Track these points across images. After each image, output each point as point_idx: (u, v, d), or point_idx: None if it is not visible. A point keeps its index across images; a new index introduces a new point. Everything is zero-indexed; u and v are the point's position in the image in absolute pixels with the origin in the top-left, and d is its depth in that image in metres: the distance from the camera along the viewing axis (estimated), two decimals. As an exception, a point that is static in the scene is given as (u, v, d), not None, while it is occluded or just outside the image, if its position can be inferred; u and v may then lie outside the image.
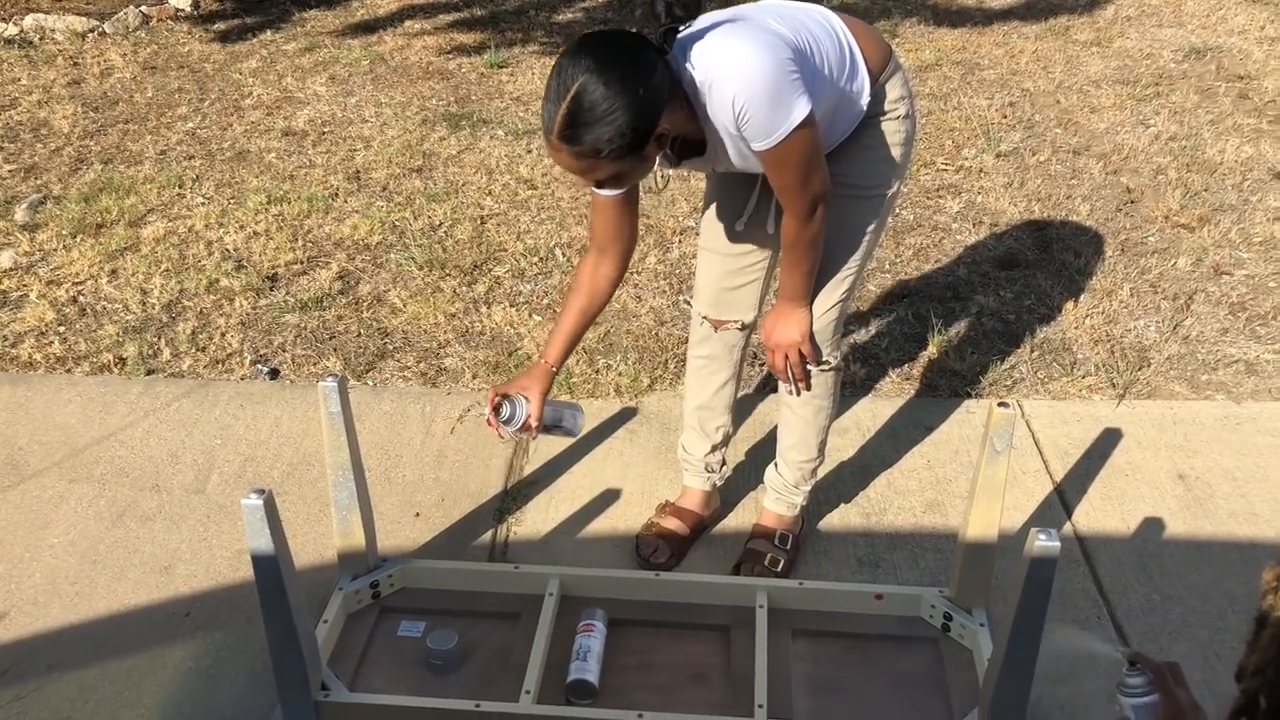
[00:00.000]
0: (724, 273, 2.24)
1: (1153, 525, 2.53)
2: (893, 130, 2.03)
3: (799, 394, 2.23)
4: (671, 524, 2.46)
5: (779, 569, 2.35)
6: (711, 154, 1.93)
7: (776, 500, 2.42)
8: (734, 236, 2.19)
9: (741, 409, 2.91)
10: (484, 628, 2.18)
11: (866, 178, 2.04)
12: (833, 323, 2.16)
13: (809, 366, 2.18)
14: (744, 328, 2.30)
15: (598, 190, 1.96)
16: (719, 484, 2.52)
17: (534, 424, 2.07)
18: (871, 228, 2.09)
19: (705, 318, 2.30)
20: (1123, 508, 2.58)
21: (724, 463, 2.50)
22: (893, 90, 2.02)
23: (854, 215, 2.07)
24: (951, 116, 4.64)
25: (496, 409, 2.07)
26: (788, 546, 2.39)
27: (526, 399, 2.07)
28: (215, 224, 3.84)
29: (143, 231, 3.78)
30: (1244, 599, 2.31)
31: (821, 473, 2.46)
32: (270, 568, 1.77)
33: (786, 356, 2.15)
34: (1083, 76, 5.07)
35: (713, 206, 2.21)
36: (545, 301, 3.41)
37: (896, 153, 2.05)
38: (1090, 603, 2.32)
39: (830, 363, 2.21)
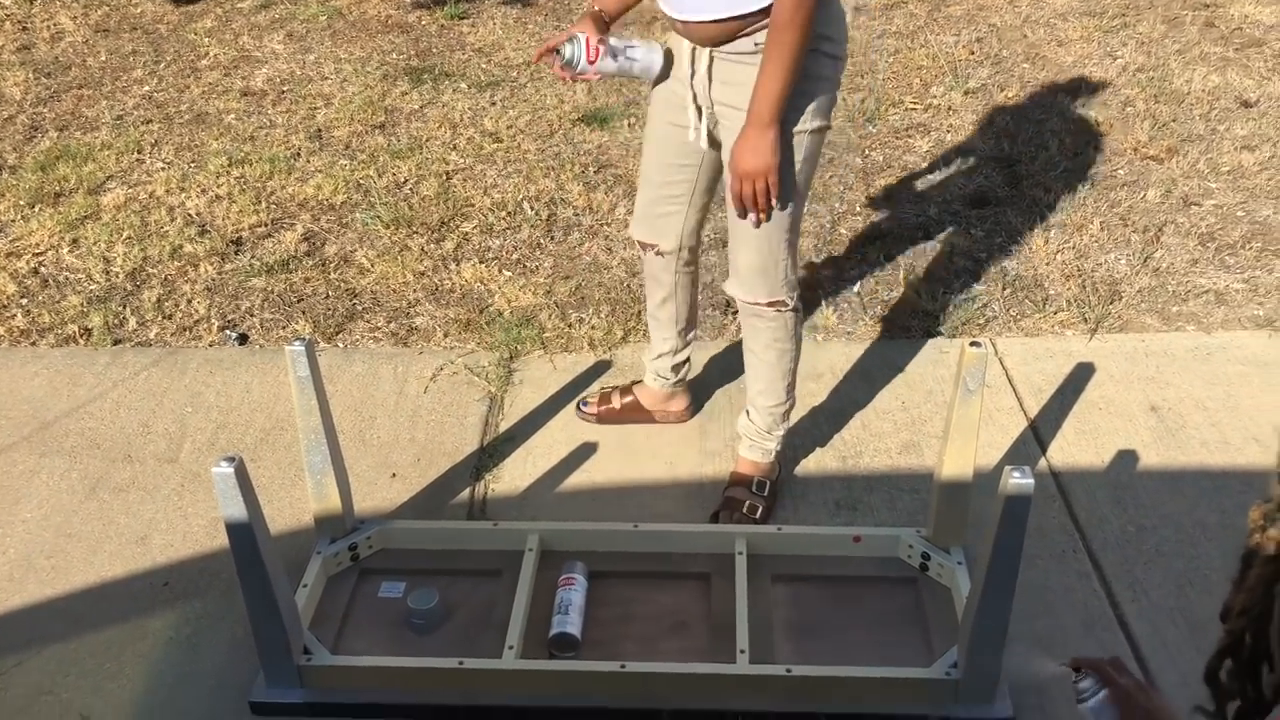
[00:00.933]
0: (653, 198, 2.34)
1: (1126, 457, 2.55)
2: (816, 62, 1.97)
3: (757, 224, 2.11)
4: (614, 396, 2.70)
5: (757, 515, 2.36)
6: None
7: (751, 448, 2.43)
8: (662, 160, 2.28)
9: (715, 359, 2.90)
10: (465, 585, 2.18)
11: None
12: (778, 263, 2.16)
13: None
14: (660, 254, 2.38)
15: None
16: (671, 390, 2.64)
17: (594, 41, 2.08)
18: (796, 169, 2.05)
19: (635, 239, 2.44)
20: (1097, 441, 2.60)
21: (675, 369, 2.59)
22: (830, 23, 1.97)
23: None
24: (919, 54, 4.60)
25: (555, 56, 2.10)
26: (765, 493, 2.40)
27: (581, 34, 2.10)
28: (176, 189, 3.77)
29: (102, 199, 3.72)
30: (1217, 527, 2.34)
31: (794, 417, 2.47)
32: (245, 535, 1.76)
33: (754, 185, 2.03)
34: (1049, 9, 5.03)
35: (651, 128, 2.28)
36: (515, 256, 3.37)
37: (816, 88, 2.00)
38: (1066, 536, 2.34)
39: (787, 303, 2.22)
